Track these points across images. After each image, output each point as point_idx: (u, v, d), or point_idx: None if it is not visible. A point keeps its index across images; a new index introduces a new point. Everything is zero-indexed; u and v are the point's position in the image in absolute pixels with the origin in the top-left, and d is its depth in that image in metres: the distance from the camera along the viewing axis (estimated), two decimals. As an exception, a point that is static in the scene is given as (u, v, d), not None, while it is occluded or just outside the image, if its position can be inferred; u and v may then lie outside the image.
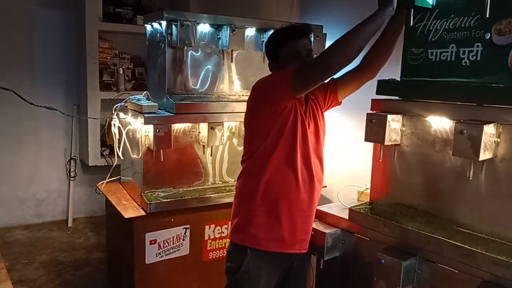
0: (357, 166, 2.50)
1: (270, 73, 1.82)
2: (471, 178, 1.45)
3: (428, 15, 1.66)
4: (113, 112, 2.63)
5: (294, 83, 1.58)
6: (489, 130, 1.40)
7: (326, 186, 2.66)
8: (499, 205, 1.44)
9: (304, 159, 1.71)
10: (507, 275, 1.32)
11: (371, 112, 1.73)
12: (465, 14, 1.53)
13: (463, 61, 1.55)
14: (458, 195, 1.54)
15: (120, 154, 2.60)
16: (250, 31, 2.57)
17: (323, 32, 2.79)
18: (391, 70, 1.79)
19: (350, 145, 2.64)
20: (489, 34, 1.47)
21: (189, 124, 2.45)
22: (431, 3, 1.64)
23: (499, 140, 1.43)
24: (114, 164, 2.70)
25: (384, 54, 1.78)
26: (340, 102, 1.92)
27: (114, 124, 2.60)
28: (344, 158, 2.69)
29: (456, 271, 1.44)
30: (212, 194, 2.48)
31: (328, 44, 2.77)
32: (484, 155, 1.40)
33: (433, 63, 1.64)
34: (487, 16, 1.44)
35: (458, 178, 1.52)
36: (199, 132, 2.48)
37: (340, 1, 2.83)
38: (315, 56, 1.79)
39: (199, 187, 2.54)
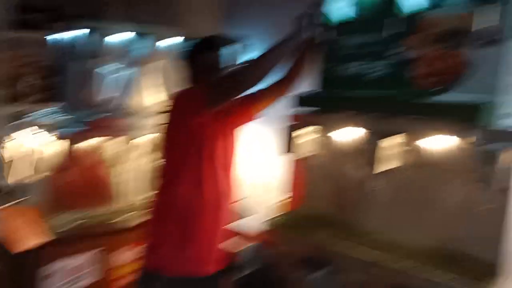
0: (276, 177, 2.48)
1: (188, 85, 1.77)
2: (376, 188, 1.50)
3: (340, 31, 1.73)
4: (13, 128, 2.38)
5: (207, 99, 1.55)
6: (391, 141, 1.46)
7: (246, 198, 2.62)
8: (405, 212, 1.51)
9: (211, 177, 1.66)
10: (414, 280, 1.35)
11: (288, 124, 1.74)
12: (375, 30, 1.61)
13: (373, 74, 1.62)
14: (369, 204, 1.59)
15: (17, 175, 2.34)
16: (170, 41, 2.51)
17: (248, 42, 2.79)
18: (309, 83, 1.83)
19: (269, 155, 2.64)
20: (396, 49, 1.55)
21: (99, 140, 2.30)
22: (341, 19, 1.71)
23: (407, 148, 1.49)
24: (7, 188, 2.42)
25: (299, 70, 1.81)
26: (255, 118, 1.91)
27: (12, 142, 2.35)
28: (264, 169, 2.67)
29: (366, 279, 1.46)
30: (123, 215, 2.32)
31: (253, 54, 2.78)
32: (387, 165, 1.46)
33: (347, 77, 1.70)
34: (394, 32, 1.52)
35: (367, 188, 1.57)
36: (110, 149, 2.33)
37: (265, 12, 2.86)
38: (231, 68, 1.77)
39: (109, 209, 2.37)
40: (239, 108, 1.81)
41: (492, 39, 1.32)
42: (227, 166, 1.74)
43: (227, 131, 1.75)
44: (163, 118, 1.70)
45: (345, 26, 1.70)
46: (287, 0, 2.64)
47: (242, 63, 1.65)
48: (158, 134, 1.86)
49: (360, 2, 1.67)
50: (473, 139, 1.30)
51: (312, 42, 1.77)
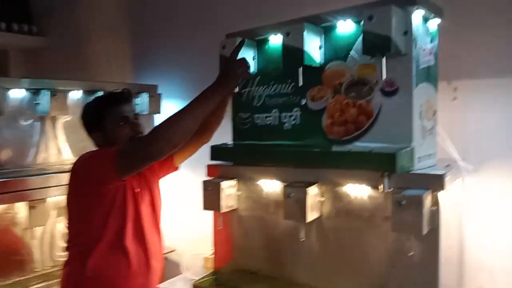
0: (205, 228, 2.41)
1: (96, 143, 1.64)
2: (303, 240, 1.48)
3: (251, 82, 1.73)
4: None
5: (119, 166, 1.43)
6: (313, 191, 1.46)
7: (174, 250, 2.52)
8: (329, 262, 1.50)
9: (138, 238, 1.56)
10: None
11: (206, 179, 1.69)
12: (283, 82, 1.62)
13: (285, 125, 1.63)
14: (294, 255, 1.57)
15: None
16: (75, 94, 2.36)
17: (158, 92, 2.73)
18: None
19: (198, 205, 2.56)
20: (305, 100, 1.58)
21: (4, 206, 2.08)
22: (253, 71, 1.71)
23: (323, 199, 1.50)
24: None
25: (216, 119, 1.76)
26: (177, 168, 1.85)
27: None
28: (192, 220, 2.58)
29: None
30: (42, 283, 2.12)
31: (164, 104, 2.72)
32: (311, 215, 1.46)
33: (260, 127, 1.69)
34: (300, 84, 1.54)
35: (293, 239, 1.55)
36: (17, 213, 2.12)
37: (175, 60, 2.83)
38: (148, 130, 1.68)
39: (25, 277, 2.15)
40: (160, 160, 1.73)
41: (396, 88, 1.37)
42: (156, 223, 1.64)
43: (150, 185, 1.66)
44: (68, 187, 1.56)
45: (257, 77, 1.70)
46: (196, 49, 2.66)
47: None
48: (65, 197, 1.72)
49: (269, 54, 1.68)
50: (393, 186, 1.33)
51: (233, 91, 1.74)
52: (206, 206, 1.66)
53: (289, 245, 1.57)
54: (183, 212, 2.59)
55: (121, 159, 1.44)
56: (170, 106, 2.82)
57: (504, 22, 1.77)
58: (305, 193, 1.42)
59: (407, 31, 1.34)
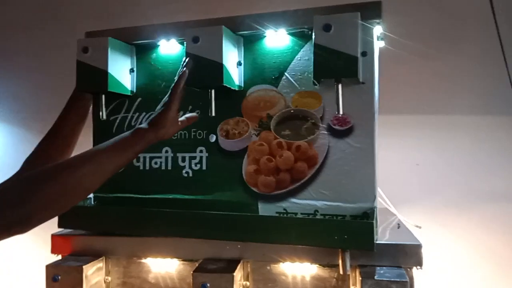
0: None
1: None
2: None
3: (127, 106, 1.17)
4: None
5: None
6: (238, 275, 0.98)
7: None
8: None
9: None
10: None
11: (52, 262, 1.04)
12: (184, 108, 1.11)
13: (184, 171, 1.11)
14: None
15: None
16: None
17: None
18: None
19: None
20: (214, 137, 1.10)
21: None
22: (129, 89, 1.16)
23: (248, 283, 1.03)
24: None
25: (63, 154, 1.14)
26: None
27: None
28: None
29: None
30: None
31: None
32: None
33: (142, 173, 1.14)
34: (213, 114, 1.04)
35: None
36: None
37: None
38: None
39: None
40: None
41: (350, 126, 1.01)
42: None
43: None
44: None
45: (137, 99, 1.16)
46: (29, 48, 1.94)
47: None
48: None
49: (157, 66, 1.15)
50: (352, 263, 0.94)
51: (85, 115, 1.17)
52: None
53: None
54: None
55: None
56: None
57: (424, 58, 1.65)
58: (231, 283, 0.93)
59: (366, 51, 1.00)
